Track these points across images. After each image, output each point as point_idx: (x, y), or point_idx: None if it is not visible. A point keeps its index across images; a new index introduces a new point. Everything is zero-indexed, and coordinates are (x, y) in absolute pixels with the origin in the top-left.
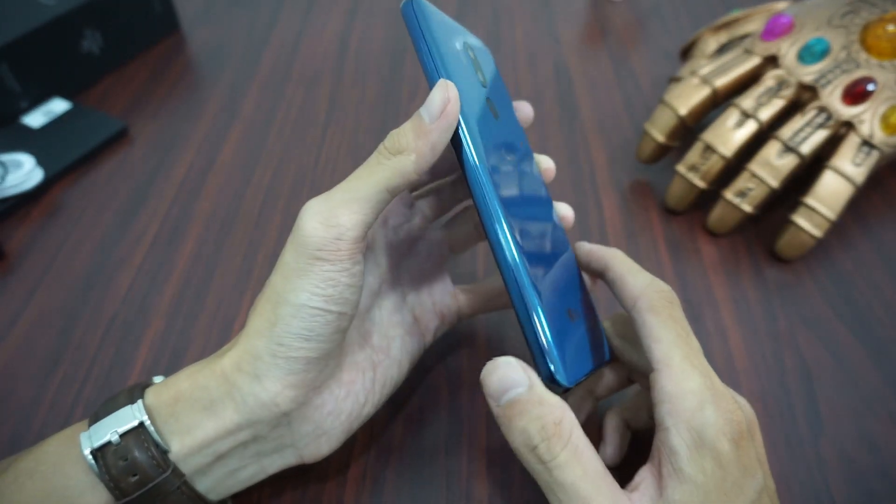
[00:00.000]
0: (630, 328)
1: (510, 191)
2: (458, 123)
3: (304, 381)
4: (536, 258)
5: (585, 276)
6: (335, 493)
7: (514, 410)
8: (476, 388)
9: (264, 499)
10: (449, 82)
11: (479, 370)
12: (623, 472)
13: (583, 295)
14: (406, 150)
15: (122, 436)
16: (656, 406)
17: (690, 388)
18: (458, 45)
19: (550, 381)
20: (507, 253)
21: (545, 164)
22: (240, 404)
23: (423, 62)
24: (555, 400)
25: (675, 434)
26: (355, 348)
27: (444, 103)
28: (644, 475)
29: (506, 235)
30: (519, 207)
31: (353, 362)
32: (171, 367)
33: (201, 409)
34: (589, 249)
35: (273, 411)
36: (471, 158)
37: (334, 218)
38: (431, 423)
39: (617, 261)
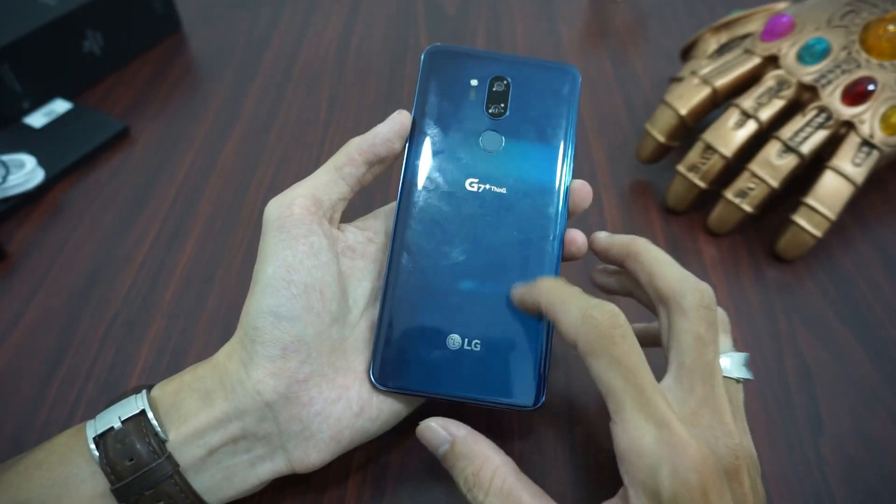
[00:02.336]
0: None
1: (449, 205)
2: (413, 127)
3: (284, 369)
4: (436, 272)
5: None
6: (336, 494)
7: (445, 463)
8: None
9: (265, 502)
10: (402, 111)
11: None
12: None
13: (513, 337)
14: (353, 140)
15: (124, 422)
16: (617, 460)
17: (644, 445)
18: (474, 82)
19: (371, 379)
20: (389, 253)
21: (578, 184)
22: (229, 392)
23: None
24: (478, 450)
25: (633, 494)
26: (357, 355)
27: (392, 117)
28: None
29: (394, 239)
30: (456, 223)
31: (352, 368)
32: (172, 367)
33: (198, 399)
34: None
35: (256, 400)
36: (405, 156)
37: (288, 194)
38: None
39: (545, 285)
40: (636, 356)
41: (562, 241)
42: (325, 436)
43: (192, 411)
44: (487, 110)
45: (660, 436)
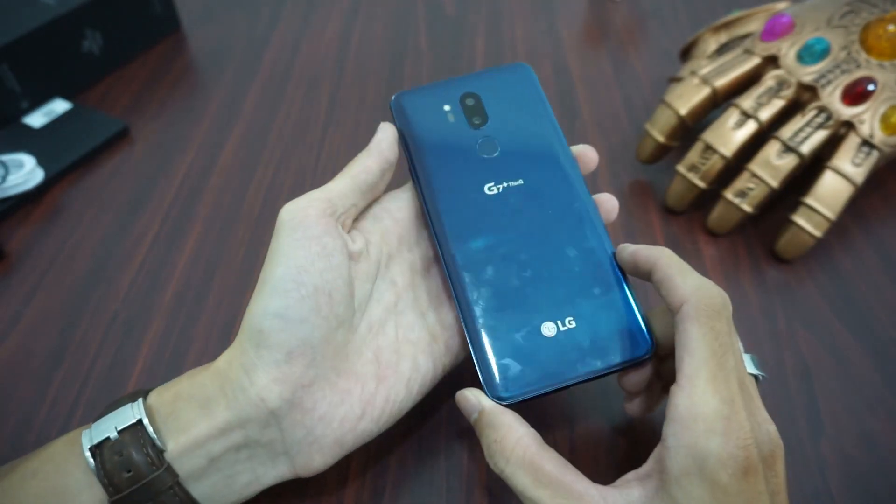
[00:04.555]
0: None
1: (481, 214)
2: (413, 164)
3: (288, 375)
4: (501, 276)
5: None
6: (335, 495)
7: (477, 432)
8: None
9: (263, 500)
10: (386, 124)
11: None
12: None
13: (599, 299)
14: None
15: (120, 432)
16: (666, 421)
17: (703, 412)
18: (447, 107)
19: (491, 396)
20: (450, 280)
21: (581, 149)
22: (231, 400)
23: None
24: (503, 420)
25: (674, 455)
26: (359, 358)
27: (381, 127)
28: (629, 478)
29: (448, 266)
30: (495, 226)
31: (353, 371)
32: (171, 367)
33: (197, 407)
34: (634, 250)
35: (260, 407)
36: (420, 192)
37: (304, 197)
38: (431, 423)
39: (664, 260)
40: (731, 338)
41: (594, 202)
42: (329, 440)
43: (191, 420)
44: (471, 123)
45: (721, 410)
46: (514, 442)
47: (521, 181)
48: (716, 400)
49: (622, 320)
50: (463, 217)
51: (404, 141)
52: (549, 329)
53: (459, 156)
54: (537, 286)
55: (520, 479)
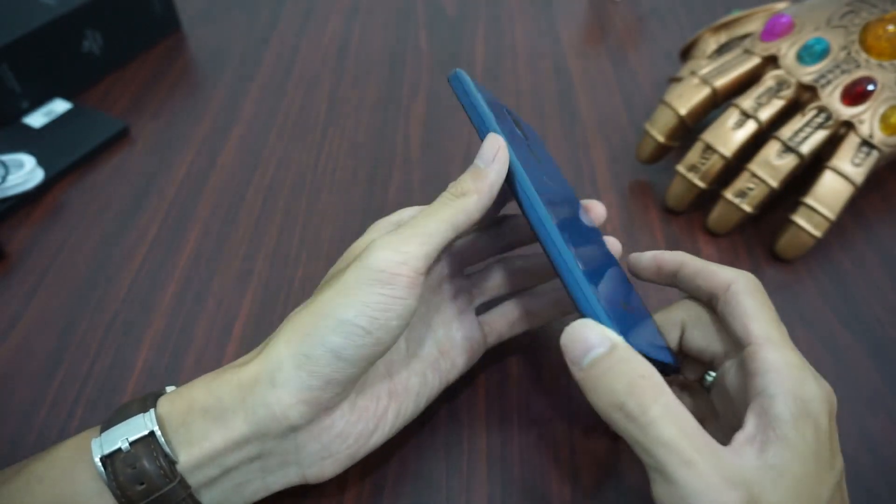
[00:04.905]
0: (696, 313)
1: (555, 209)
2: (510, 162)
3: (318, 399)
4: (584, 260)
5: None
6: (335, 495)
7: (597, 371)
8: (476, 388)
9: (263, 501)
10: (496, 135)
11: (478, 371)
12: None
13: (637, 304)
14: (468, 192)
15: (132, 444)
16: (758, 376)
17: (793, 362)
18: (500, 105)
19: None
20: (557, 244)
21: (591, 202)
22: (250, 414)
23: (474, 120)
24: (639, 357)
25: (782, 401)
26: (376, 377)
27: (494, 151)
28: (739, 438)
29: (555, 231)
30: (564, 221)
31: (371, 389)
32: (171, 367)
33: (212, 420)
34: (654, 254)
35: (282, 424)
36: (523, 181)
37: (403, 245)
38: (431, 423)
39: (689, 257)
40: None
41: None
42: (343, 455)
43: (205, 433)
44: (517, 131)
45: (803, 362)
46: (660, 381)
47: (561, 189)
48: (794, 354)
49: (655, 331)
50: (540, 187)
51: (473, 111)
52: (625, 305)
53: (520, 143)
54: (605, 269)
55: (666, 427)
